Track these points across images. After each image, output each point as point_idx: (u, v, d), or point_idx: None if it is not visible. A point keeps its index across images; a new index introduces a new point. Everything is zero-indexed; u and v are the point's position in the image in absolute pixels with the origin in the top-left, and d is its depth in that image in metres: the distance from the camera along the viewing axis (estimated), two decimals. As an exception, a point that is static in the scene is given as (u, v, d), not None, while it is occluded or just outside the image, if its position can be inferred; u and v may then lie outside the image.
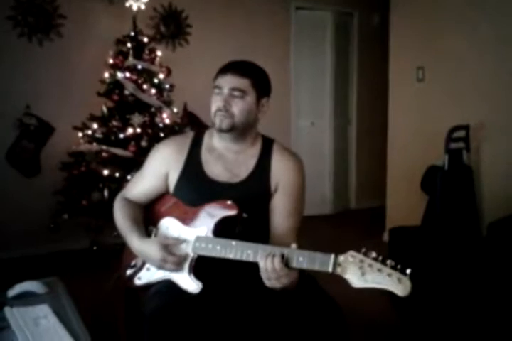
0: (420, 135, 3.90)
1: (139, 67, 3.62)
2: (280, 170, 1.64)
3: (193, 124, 3.84)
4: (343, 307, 1.48)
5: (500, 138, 3.35)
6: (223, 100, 1.57)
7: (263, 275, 1.35)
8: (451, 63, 3.63)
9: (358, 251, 1.28)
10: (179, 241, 1.51)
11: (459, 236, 3.08)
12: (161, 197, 1.71)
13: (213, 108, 1.59)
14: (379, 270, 1.23)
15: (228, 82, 1.57)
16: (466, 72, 3.53)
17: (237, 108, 1.58)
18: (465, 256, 2.80)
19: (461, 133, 3.43)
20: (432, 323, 2.59)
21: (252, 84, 1.59)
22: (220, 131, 1.59)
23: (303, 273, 1.42)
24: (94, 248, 3.72)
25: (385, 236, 4.00)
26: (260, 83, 1.63)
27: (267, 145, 1.69)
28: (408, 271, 1.22)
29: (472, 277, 2.68)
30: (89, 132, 3.55)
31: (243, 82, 1.58)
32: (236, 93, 1.57)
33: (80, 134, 3.58)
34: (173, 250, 1.50)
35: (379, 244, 3.91)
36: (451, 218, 3.28)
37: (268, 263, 1.32)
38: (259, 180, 1.62)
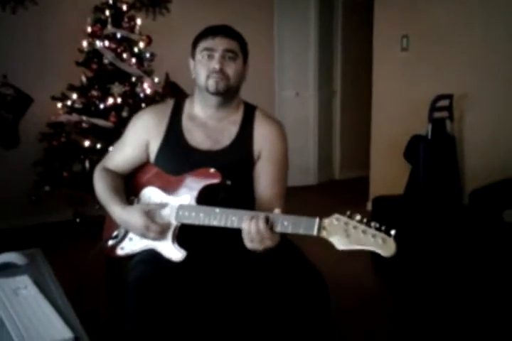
0: (404, 104, 3.89)
1: (118, 35, 3.53)
2: (263, 137, 1.62)
3: (174, 94, 3.78)
4: (324, 272, 1.48)
5: (483, 108, 3.35)
6: (219, 62, 1.54)
7: (246, 237, 1.34)
8: (437, 32, 3.59)
9: (343, 214, 1.27)
10: (161, 205, 1.50)
11: (441, 205, 3.11)
12: (142, 166, 1.68)
13: (205, 71, 1.55)
14: (363, 231, 1.23)
15: (221, 43, 1.54)
16: (451, 41, 3.50)
17: (231, 70, 1.56)
18: (447, 224, 2.83)
19: (445, 103, 3.42)
20: (412, 288, 2.63)
21: (240, 48, 1.59)
22: (216, 93, 1.56)
23: (284, 238, 1.42)
24: (77, 220, 3.69)
25: (369, 206, 4.03)
26: (245, 47, 1.62)
27: (250, 112, 1.66)
28: (393, 231, 1.22)
29: (453, 244, 2.72)
30: (69, 102, 3.47)
31: (234, 45, 1.57)
32: (230, 54, 1.55)
33: (60, 105, 3.50)
34: (156, 218, 1.49)
35: (362, 213, 3.94)
36: (433, 187, 3.30)
37: (252, 225, 1.31)
38: (241, 147, 1.61)
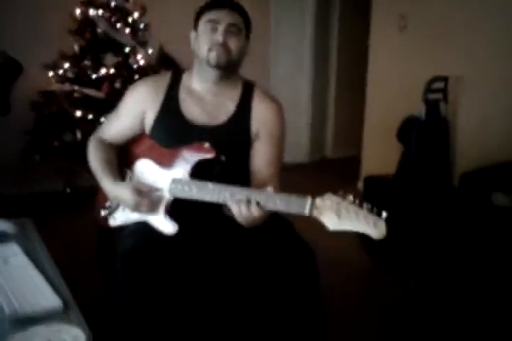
0: (400, 84, 3.87)
1: (113, 4, 3.45)
2: (261, 116, 1.60)
3: (168, 66, 3.71)
4: (316, 250, 1.49)
5: (477, 91, 3.34)
6: (222, 35, 1.51)
7: (238, 217, 1.34)
8: (435, 13, 3.54)
9: (336, 193, 1.27)
10: (153, 188, 1.49)
11: (431, 187, 3.13)
12: (136, 137, 1.66)
13: (207, 43, 1.53)
14: (355, 213, 1.23)
15: (227, 17, 1.52)
16: (449, 23, 3.45)
17: (234, 44, 1.53)
18: (436, 205, 2.86)
19: (440, 85, 3.41)
20: (402, 269, 2.67)
21: (244, 24, 1.56)
22: (217, 66, 1.54)
23: (279, 216, 1.42)
24: (68, 190, 3.65)
25: (360, 185, 4.05)
26: (249, 23, 1.59)
27: (248, 89, 1.64)
28: (384, 214, 1.22)
29: (442, 225, 2.75)
30: (61, 71, 3.41)
31: (239, 19, 1.54)
32: (233, 29, 1.52)
33: (51, 73, 3.43)
34: (148, 193, 1.48)
35: (353, 192, 3.95)
36: (424, 169, 3.31)
37: (243, 209, 1.31)
38: (239, 125, 1.59)
